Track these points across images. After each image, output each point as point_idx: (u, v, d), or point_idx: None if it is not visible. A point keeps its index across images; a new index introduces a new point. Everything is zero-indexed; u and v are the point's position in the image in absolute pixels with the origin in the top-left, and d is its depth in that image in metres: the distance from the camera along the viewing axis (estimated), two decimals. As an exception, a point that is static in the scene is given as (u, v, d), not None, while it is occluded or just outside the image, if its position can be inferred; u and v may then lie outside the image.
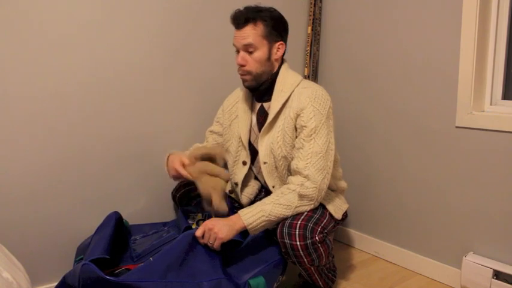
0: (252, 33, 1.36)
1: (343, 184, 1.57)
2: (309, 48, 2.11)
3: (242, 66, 1.39)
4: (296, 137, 1.37)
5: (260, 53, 1.38)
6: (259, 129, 1.47)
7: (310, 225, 1.27)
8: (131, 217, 1.68)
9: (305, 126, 1.33)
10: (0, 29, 1.35)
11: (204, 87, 1.82)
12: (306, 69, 2.12)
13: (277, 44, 1.41)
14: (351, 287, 1.65)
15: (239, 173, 1.51)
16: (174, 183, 1.65)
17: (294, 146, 1.37)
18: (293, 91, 1.40)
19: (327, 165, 1.33)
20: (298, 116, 1.36)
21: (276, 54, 1.41)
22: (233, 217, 1.28)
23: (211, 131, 1.64)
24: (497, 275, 1.48)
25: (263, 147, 1.43)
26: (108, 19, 1.55)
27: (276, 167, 1.42)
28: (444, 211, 1.67)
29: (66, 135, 1.51)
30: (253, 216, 1.26)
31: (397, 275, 1.76)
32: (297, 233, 1.26)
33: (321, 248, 1.28)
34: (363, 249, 2.03)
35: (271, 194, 1.33)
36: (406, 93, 1.76)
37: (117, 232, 1.42)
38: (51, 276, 1.54)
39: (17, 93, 1.40)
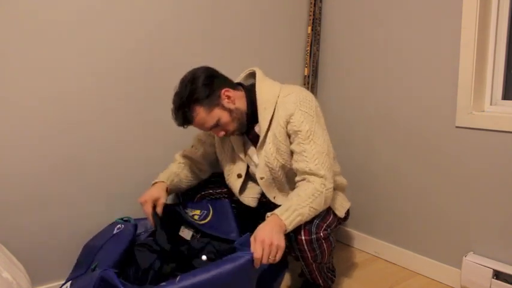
0: (200, 121, 1.32)
1: (342, 180, 1.56)
2: (309, 48, 2.11)
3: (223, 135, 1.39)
4: (290, 143, 1.36)
5: (223, 119, 1.33)
6: (252, 144, 1.46)
7: (316, 221, 1.30)
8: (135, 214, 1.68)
9: (299, 131, 1.32)
10: None
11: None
12: (306, 69, 2.12)
13: (223, 97, 1.33)
14: (351, 287, 1.65)
15: (234, 184, 1.51)
16: None
17: (292, 153, 1.36)
18: (276, 103, 1.37)
19: (331, 164, 1.35)
20: (288, 122, 1.34)
21: (229, 102, 1.34)
22: (274, 221, 1.19)
23: (203, 142, 1.57)
24: (497, 275, 1.48)
25: (259, 164, 1.41)
26: (105, 18, 1.55)
27: (273, 179, 1.42)
28: (444, 211, 1.67)
29: (67, 137, 1.51)
30: (294, 221, 1.22)
31: (397, 275, 1.76)
32: (302, 227, 1.27)
33: (324, 245, 1.30)
34: (362, 249, 2.03)
35: (302, 195, 1.26)
36: (406, 93, 1.76)
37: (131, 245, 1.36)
38: (51, 276, 1.54)
39: (17, 94, 1.40)
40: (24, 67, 1.40)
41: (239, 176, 1.49)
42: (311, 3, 2.09)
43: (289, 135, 1.36)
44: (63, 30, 1.46)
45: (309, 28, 2.09)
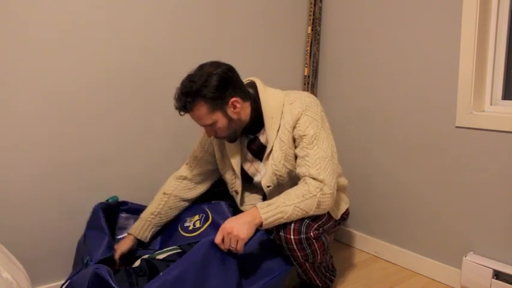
0: (199, 115, 1.29)
1: (343, 181, 1.56)
2: (309, 48, 2.11)
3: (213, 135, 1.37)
4: (296, 147, 1.36)
5: (220, 123, 1.31)
6: (253, 155, 1.45)
7: (306, 221, 1.29)
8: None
9: (304, 135, 1.32)
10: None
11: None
12: (306, 69, 2.12)
13: (229, 104, 1.31)
14: (351, 287, 1.65)
15: (235, 199, 1.52)
16: None
17: (296, 157, 1.36)
18: (282, 111, 1.37)
19: (335, 169, 1.33)
20: (294, 127, 1.34)
21: (234, 112, 1.32)
22: (251, 212, 1.22)
23: (199, 159, 1.53)
24: (497, 275, 1.48)
25: (266, 173, 1.40)
26: (107, 18, 1.55)
27: (278, 185, 1.41)
28: (444, 211, 1.67)
29: (66, 138, 1.52)
30: (272, 217, 1.23)
31: (397, 275, 1.76)
32: (292, 226, 1.26)
33: (315, 244, 1.29)
34: (363, 249, 2.03)
35: (292, 193, 1.27)
36: (406, 93, 1.76)
37: (109, 223, 1.42)
38: (51, 276, 1.54)
39: (17, 94, 1.41)
40: (24, 69, 1.41)
41: (236, 192, 1.49)
42: (311, 3, 2.09)
43: (294, 140, 1.36)
44: (64, 31, 1.46)
45: (309, 28, 2.09)
